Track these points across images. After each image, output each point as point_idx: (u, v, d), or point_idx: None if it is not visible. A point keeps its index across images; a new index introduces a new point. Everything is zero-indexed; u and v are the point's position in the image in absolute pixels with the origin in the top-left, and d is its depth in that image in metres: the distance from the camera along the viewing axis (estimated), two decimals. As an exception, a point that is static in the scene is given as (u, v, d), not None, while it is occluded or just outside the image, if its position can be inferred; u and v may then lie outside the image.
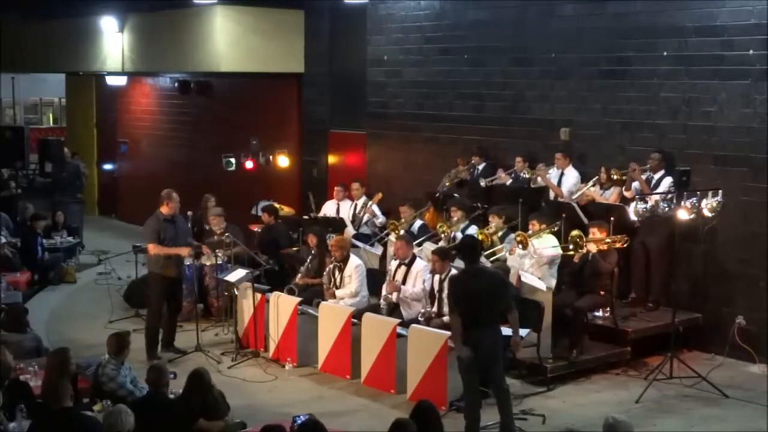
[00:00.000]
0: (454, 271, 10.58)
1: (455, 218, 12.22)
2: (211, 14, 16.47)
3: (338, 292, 11.30)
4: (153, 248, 11.17)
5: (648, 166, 11.41)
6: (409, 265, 11.00)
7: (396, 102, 15.27)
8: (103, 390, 8.26)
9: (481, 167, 13.48)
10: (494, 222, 11.80)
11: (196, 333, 11.55)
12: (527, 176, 12.65)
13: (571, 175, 12.35)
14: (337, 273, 11.41)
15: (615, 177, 11.63)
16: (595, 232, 10.72)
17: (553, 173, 12.48)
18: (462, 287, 8.65)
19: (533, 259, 10.95)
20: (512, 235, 11.75)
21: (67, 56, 20.51)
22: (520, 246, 10.84)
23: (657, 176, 11.35)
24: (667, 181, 11.13)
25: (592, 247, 10.49)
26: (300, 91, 17.20)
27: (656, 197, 10.86)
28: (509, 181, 13.00)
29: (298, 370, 10.92)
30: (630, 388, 10.20)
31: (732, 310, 11.12)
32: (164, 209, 11.26)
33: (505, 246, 11.58)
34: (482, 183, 13.19)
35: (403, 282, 10.92)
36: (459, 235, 11.75)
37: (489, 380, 8.68)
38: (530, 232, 11.09)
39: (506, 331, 9.16)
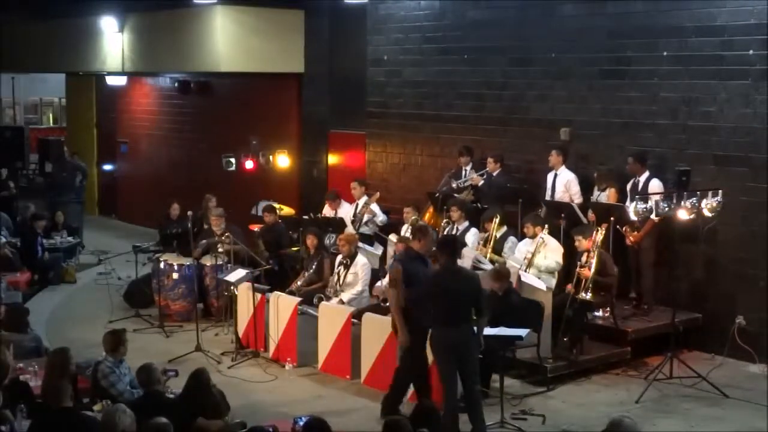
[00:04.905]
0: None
1: (454, 218, 12.23)
2: (211, 14, 16.46)
3: (343, 296, 11.22)
4: (393, 296, 9.16)
5: None
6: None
7: (396, 102, 15.26)
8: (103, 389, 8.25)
9: (468, 167, 13.45)
10: (488, 226, 11.76)
11: (196, 333, 11.55)
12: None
13: (565, 176, 12.28)
14: (342, 270, 11.38)
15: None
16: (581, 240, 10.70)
17: (549, 176, 12.47)
18: (443, 285, 8.56)
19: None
20: (512, 238, 11.76)
21: (67, 56, 20.50)
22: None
23: (642, 179, 11.32)
24: (656, 183, 11.11)
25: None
26: (300, 91, 17.19)
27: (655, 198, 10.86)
28: (481, 182, 12.98)
29: (298, 370, 10.92)
30: (630, 388, 10.20)
31: (732, 310, 11.11)
32: (416, 245, 9.23)
33: (506, 247, 11.58)
34: (454, 185, 13.19)
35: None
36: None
37: (462, 380, 8.61)
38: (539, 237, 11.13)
39: (505, 331, 9.17)
